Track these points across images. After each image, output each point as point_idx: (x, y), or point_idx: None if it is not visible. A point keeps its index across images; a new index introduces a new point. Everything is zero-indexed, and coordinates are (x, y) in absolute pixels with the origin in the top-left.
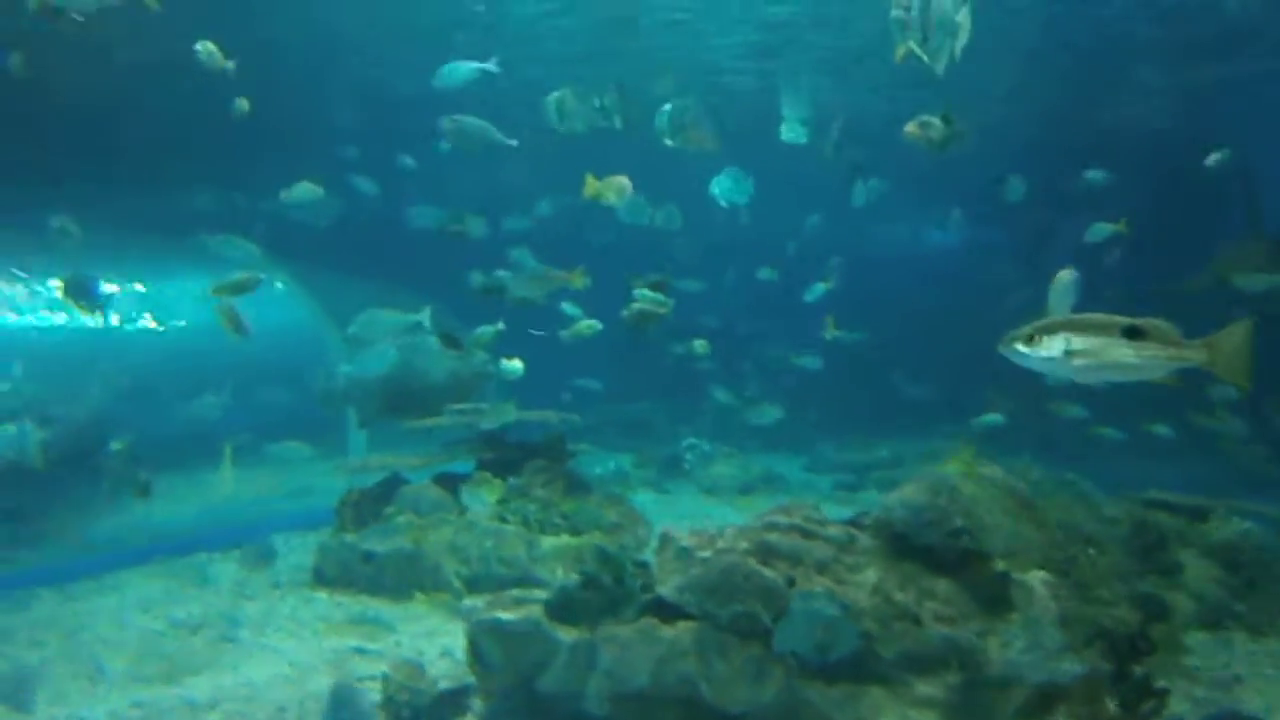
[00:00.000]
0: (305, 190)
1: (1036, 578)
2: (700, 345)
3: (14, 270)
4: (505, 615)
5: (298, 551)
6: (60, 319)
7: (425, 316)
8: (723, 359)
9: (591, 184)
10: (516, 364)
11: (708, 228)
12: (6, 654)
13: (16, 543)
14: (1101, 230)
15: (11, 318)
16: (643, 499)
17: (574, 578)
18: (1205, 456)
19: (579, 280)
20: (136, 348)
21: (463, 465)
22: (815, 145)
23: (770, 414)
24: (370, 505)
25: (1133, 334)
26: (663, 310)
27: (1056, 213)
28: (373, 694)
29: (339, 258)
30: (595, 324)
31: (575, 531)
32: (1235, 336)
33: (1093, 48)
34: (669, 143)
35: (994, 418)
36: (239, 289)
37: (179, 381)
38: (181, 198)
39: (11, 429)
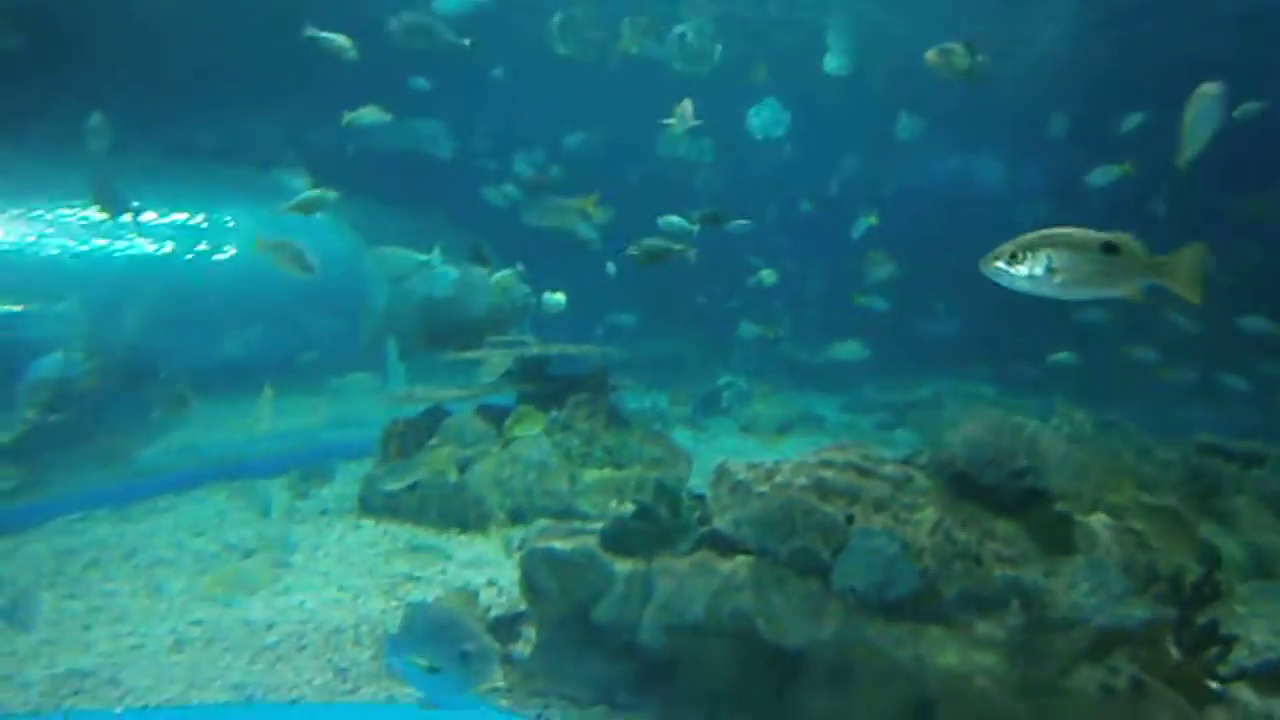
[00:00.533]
0: (371, 114)
1: (1099, 521)
2: (768, 275)
3: (66, 200)
4: (560, 545)
5: (343, 480)
6: (116, 246)
7: (435, 256)
8: (758, 295)
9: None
10: (559, 297)
11: (749, 163)
12: (64, 572)
13: (72, 465)
14: (1108, 173)
15: (66, 244)
16: (679, 436)
17: (629, 508)
18: (1253, 402)
19: (592, 208)
20: (188, 276)
21: (504, 398)
22: (862, 78)
23: (854, 350)
24: (414, 436)
25: (1109, 249)
26: (679, 248)
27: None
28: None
29: (378, 187)
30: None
31: (617, 465)
32: (1192, 255)
33: None
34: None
35: (1065, 356)
36: (312, 207)
37: (230, 311)
38: (234, 125)
39: (59, 355)
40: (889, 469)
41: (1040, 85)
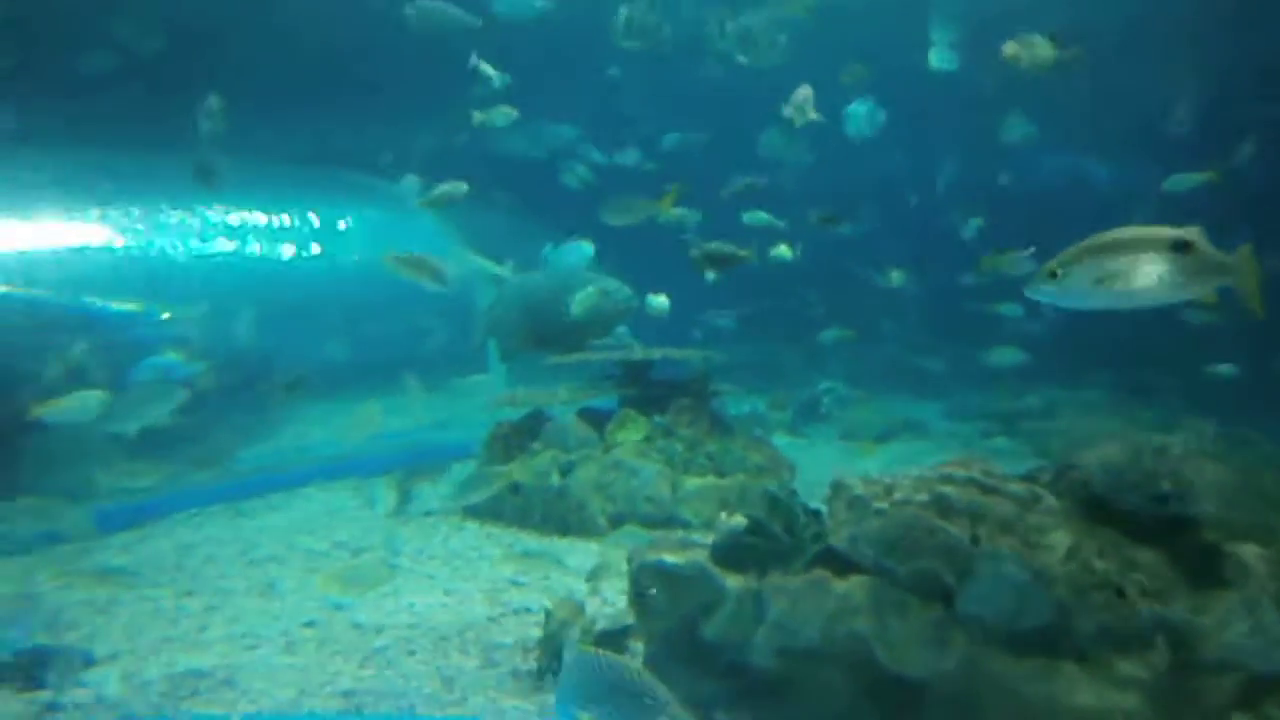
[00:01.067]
0: (503, 115)
1: (1251, 552)
2: (897, 276)
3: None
4: (670, 558)
5: (445, 482)
6: (230, 248)
7: (508, 270)
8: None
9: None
10: (663, 300)
11: (844, 164)
12: (184, 566)
13: (189, 464)
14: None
15: (183, 246)
16: (779, 442)
17: (742, 522)
18: None
19: (668, 206)
20: (300, 277)
21: (606, 401)
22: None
23: (1010, 356)
24: (517, 439)
25: (1180, 248)
26: (744, 254)
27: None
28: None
29: (482, 189)
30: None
31: (720, 473)
32: (1248, 257)
33: None
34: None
35: (1228, 368)
36: (447, 199)
37: (341, 313)
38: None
39: (171, 356)
40: (1014, 487)
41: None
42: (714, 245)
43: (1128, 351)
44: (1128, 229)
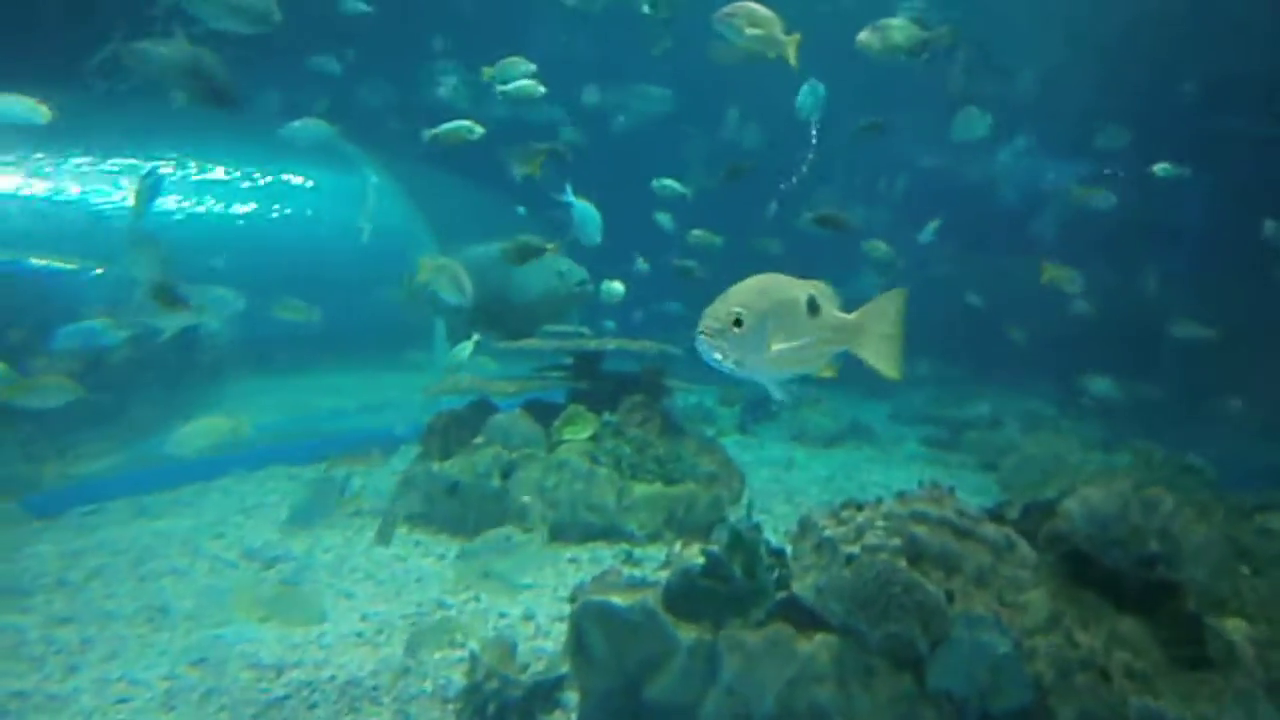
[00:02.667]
0: (527, 87)
1: (1238, 630)
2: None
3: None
4: (618, 600)
5: (379, 473)
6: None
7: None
8: None
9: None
10: (617, 286)
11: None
12: (66, 582)
13: (94, 446)
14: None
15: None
16: (728, 442)
17: (699, 560)
18: None
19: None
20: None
21: (554, 393)
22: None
23: (1102, 385)
24: (458, 431)
25: (812, 307)
26: (550, 247)
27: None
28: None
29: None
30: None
31: (669, 480)
32: (886, 308)
33: None
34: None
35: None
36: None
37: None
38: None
39: (93, 323)
40: (989, 530)
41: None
42: (521, 238)
43: (1081, 363)
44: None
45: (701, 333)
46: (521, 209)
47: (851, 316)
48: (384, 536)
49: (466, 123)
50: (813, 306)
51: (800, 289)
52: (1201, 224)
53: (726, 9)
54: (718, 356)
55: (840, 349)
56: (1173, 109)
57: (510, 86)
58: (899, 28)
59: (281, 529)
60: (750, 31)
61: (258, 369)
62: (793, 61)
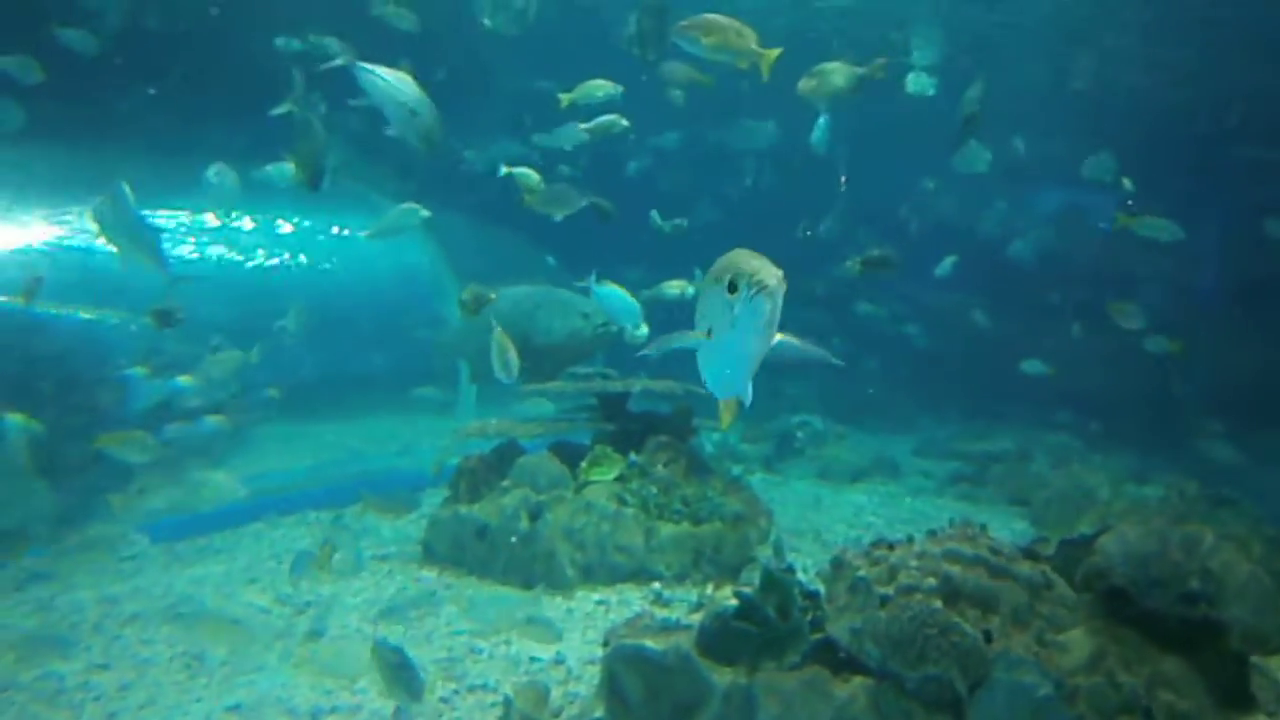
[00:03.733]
0: (573, 132)
1: None
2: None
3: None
4: (652, 644)
5: (409, 516)
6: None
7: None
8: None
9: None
10: (642, 329)
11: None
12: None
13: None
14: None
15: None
16: (755, 481)
17: (732, 602)
18: None
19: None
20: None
21: (582, 435)
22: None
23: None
24: (485, 474)
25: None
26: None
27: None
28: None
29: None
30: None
31: (696, 520)
32: None
33: None
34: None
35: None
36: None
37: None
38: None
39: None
40: (1024, 568)
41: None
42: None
43: (1106, 393)
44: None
45: (768, 285)
46: (551, 259)
47: None
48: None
49: (533, 174)
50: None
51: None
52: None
53: (684, 22)
54: (765, 319)
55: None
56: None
57: (592, 124)
58: (836, 70)
59: (313, 575)
60: (707, 41)
61: (290, 415)
62: (764, 74)
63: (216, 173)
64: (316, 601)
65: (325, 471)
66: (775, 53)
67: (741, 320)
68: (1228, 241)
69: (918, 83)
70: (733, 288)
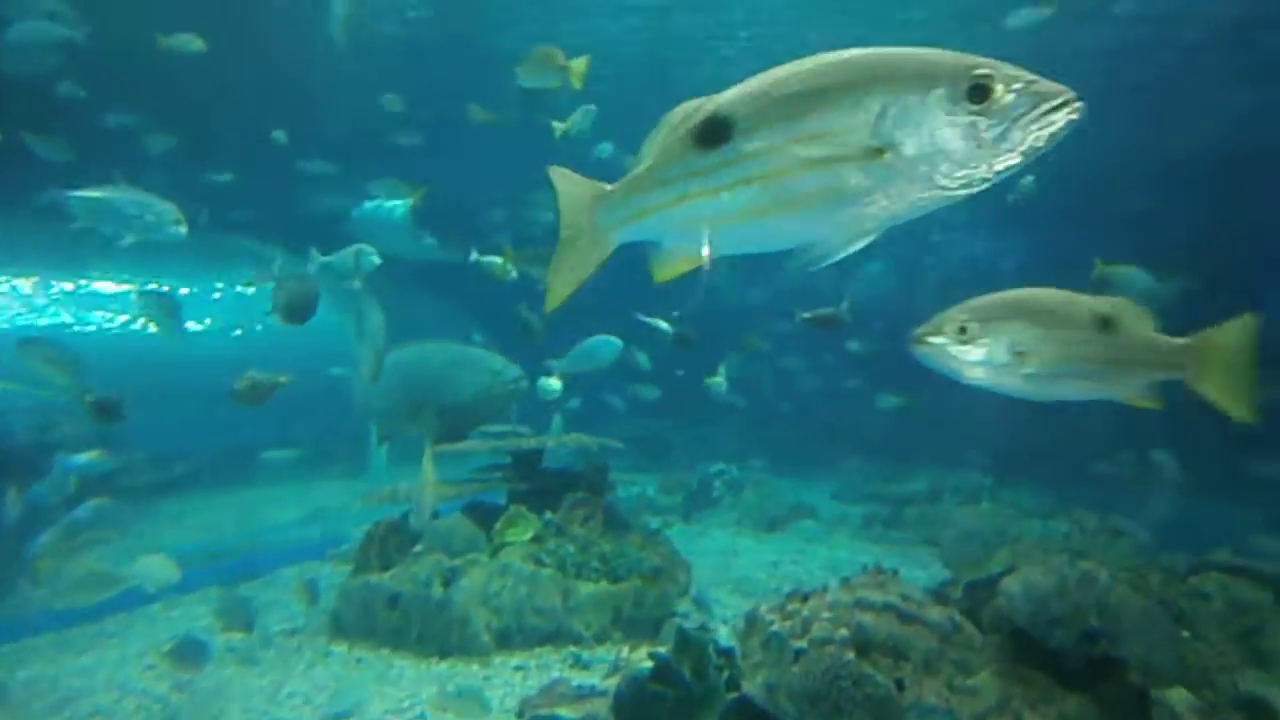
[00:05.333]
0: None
1: (1181, 699)
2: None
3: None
4: (566, 714)
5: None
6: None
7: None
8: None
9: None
10: (554, 383)
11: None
12: None
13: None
14: None
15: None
16: (673, 532)
17: (647, 665)
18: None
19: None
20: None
21: (496, 495)
22: None
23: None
24: (396, 540)
25: (1106, 325)
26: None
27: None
28: None
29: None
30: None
31: (614, 577)
32: (1232, 337)
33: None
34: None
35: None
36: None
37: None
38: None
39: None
40: (933, 614)
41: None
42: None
43: (1001, 433)
44: (1050, 290)
45: (915, 341)
46: (478, 335)
47: (1182, 340)
48: None
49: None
50: (1104, 323)
51: (1081, 302)
52: None
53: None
54: (950, 366)
55: (1165, 377)
56: None
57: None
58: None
59: (213, 656)
60: (523, 70)
61: (186, 489)
62: (576, 84)
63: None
64: (218, 686)
65: (228, 544)
66: (583, 62)
67: None
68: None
69: None
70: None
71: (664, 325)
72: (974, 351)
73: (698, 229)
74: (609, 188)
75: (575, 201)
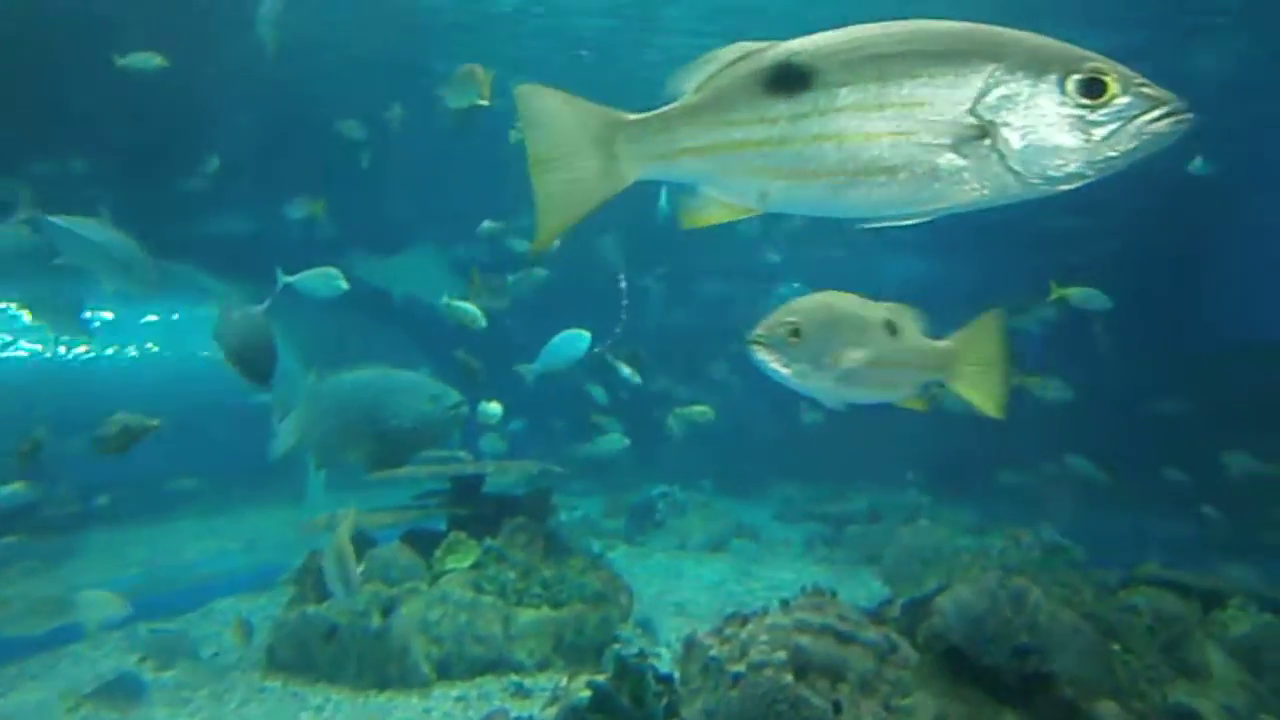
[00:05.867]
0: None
1: (1110, 711)
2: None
3: None
4: None
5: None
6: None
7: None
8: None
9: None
10: (495, 407)
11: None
12: None
13: None
14: None
15: None
16: (616, 555)
17: (584, 694)
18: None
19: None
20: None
21: (436, 522)
22: None
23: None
24: None
25: (892, 329)
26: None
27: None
28: None
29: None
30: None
31: (556, 603)
32: (979, 335)
33: None
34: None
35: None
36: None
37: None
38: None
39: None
40: (870, 634)
41: None
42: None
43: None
44: (846, 295)
45: (752, 343)
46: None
47: (943, 342)
48: None
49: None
50: (891, 327)
51: (874, 308)
52: None
53: None
54: (775, 368)
55: (929, 378)
56: None
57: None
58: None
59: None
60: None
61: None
62: (484, 96)
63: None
64: None
65: (159, 577)
66: (488, 75)
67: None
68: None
69: None
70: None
71: (625, 369)
72: (801, 353)
73: (751, 181)
74: (630, 115)
75: (570, 122)
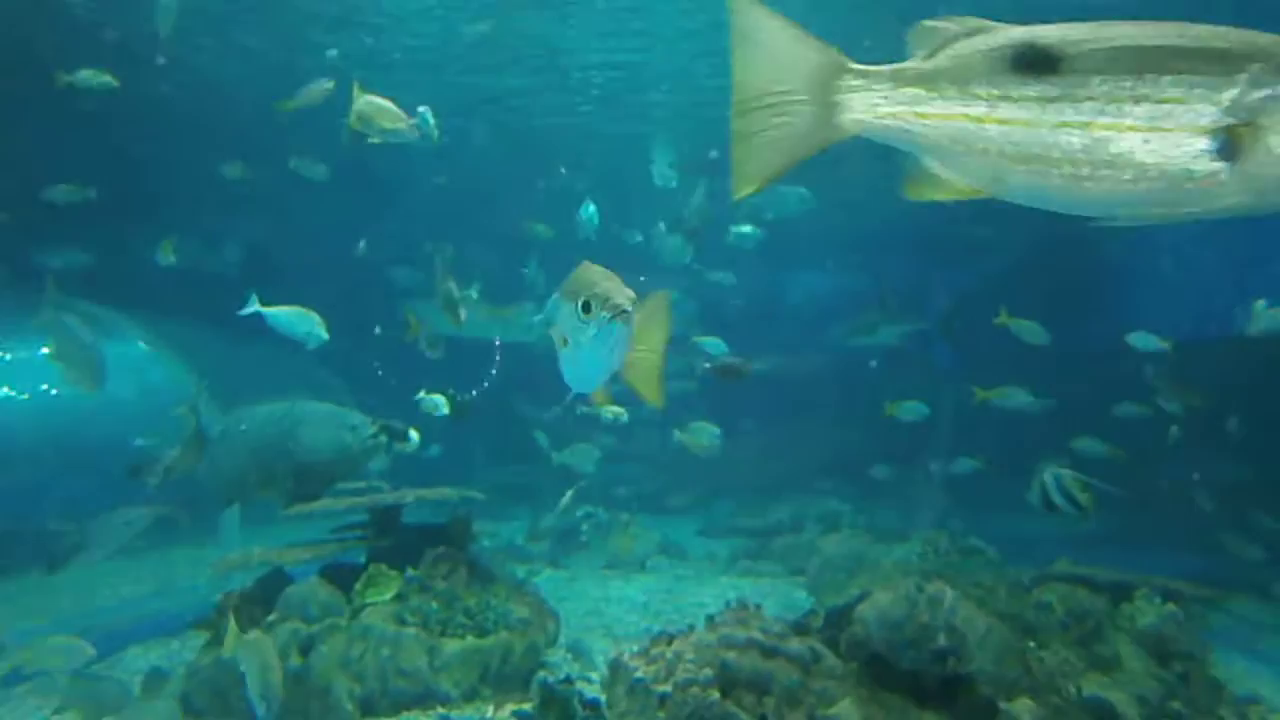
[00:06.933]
0: None
1: (1025, 709)
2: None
3: None
4: None
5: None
6: None
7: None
8: None
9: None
10: (413, 435)
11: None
12: None
13: None
14: None
15: None
16: (541, 580)
17: None
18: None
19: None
20: None
21: (355, 555)
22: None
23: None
24: (249, 610)
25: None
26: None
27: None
28: None
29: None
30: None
31: (481, 631)
32: (645, 315)
33: None
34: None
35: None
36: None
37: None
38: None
39: None
40: (794, 645)
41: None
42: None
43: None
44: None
45: (626, 310)
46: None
47: None
48: None
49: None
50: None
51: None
52: None
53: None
54: (617, 340)
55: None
56: None
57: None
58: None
59: None
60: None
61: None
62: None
63: None
64: None
65: (65, 624)
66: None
67: (596, 340)
68: None
69: (662, 176)
70: (587, 308)
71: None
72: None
73: (985, 161)
74: (855, 64)
75: (788, 53)
